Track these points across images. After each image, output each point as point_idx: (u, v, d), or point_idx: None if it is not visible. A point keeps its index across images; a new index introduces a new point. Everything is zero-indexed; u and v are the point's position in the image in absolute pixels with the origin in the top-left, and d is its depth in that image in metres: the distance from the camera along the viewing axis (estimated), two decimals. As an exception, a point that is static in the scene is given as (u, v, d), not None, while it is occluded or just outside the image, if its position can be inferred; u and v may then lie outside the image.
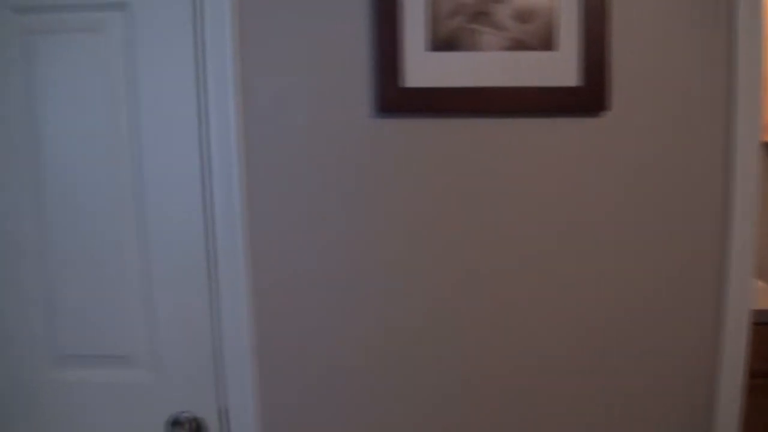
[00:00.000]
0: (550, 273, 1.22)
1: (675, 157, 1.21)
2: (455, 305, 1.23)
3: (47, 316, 1.29)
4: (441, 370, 1.24)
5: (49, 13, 1.23)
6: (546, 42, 1.19)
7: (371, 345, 1.24)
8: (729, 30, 1.17)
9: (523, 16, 1.19)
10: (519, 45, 1.19)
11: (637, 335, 1.24)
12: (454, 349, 1.24)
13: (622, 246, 1.22)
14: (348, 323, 1.24)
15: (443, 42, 1.18)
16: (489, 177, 1.20)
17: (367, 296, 1.23)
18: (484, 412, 1.25)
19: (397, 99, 1.18)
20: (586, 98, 1.20)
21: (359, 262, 1.22)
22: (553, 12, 1.18)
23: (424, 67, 1.18)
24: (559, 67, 1.20)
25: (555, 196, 1.21)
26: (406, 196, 1.21)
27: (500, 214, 1.21)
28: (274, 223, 1.22)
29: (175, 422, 1.27)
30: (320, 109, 1.19)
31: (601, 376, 1.25)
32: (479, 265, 1.22)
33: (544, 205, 1.21)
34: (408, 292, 1.22)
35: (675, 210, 1.22)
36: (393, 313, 1.23)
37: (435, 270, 1.22)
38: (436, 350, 1.24)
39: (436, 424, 1.26)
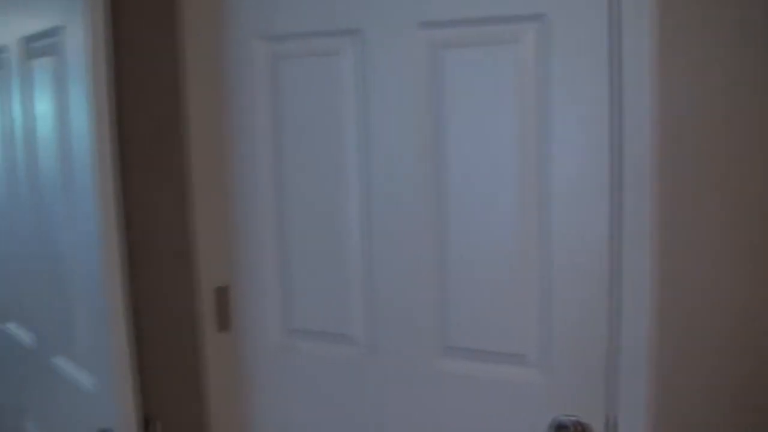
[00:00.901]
0: None
1: None
2: None
3: (440, 309, 1.35)
4: None
5: (460, 28, 1.29)
6: None
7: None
8: None
9: None
10: None
11: None
12: None
13: None
14: (752, 351, 1.20)
15: None
16: None
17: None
18: None
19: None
20: None
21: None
22: None
23: None
24: None
25: None
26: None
27: None
28: (683, 237, 1.21)
29: (560, 426, 1.29)
30: (733, 118, 1.16)
31: None
32: None
33: None
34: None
35: None
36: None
37: None
38: None
39: None
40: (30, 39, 1.53)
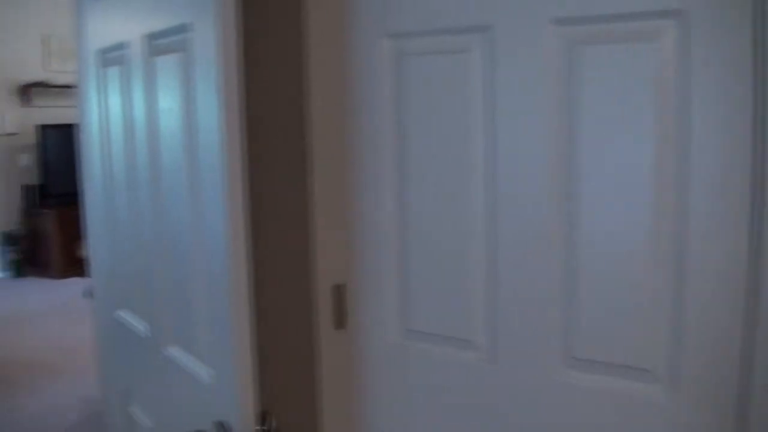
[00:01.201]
0: None
1: None
2: None
3: (566, 318, 1.32)
4: None
5: (595, 24, 1.24)
6: None
7: None
8: None
9: None
10: None
11: None
12: None
13: None
14: None
15: None
16: None
17: None
18: None
19: None
20: None
21: None
22: None
23: None
24: None
25: None
26: None
27: None
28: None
29: (690, 443, 1.24)
30: None
31: None
32: None
33: None
34: None
35: None
36: None
37: None
38: None
39: None
40: (153, 36, 1.55)
